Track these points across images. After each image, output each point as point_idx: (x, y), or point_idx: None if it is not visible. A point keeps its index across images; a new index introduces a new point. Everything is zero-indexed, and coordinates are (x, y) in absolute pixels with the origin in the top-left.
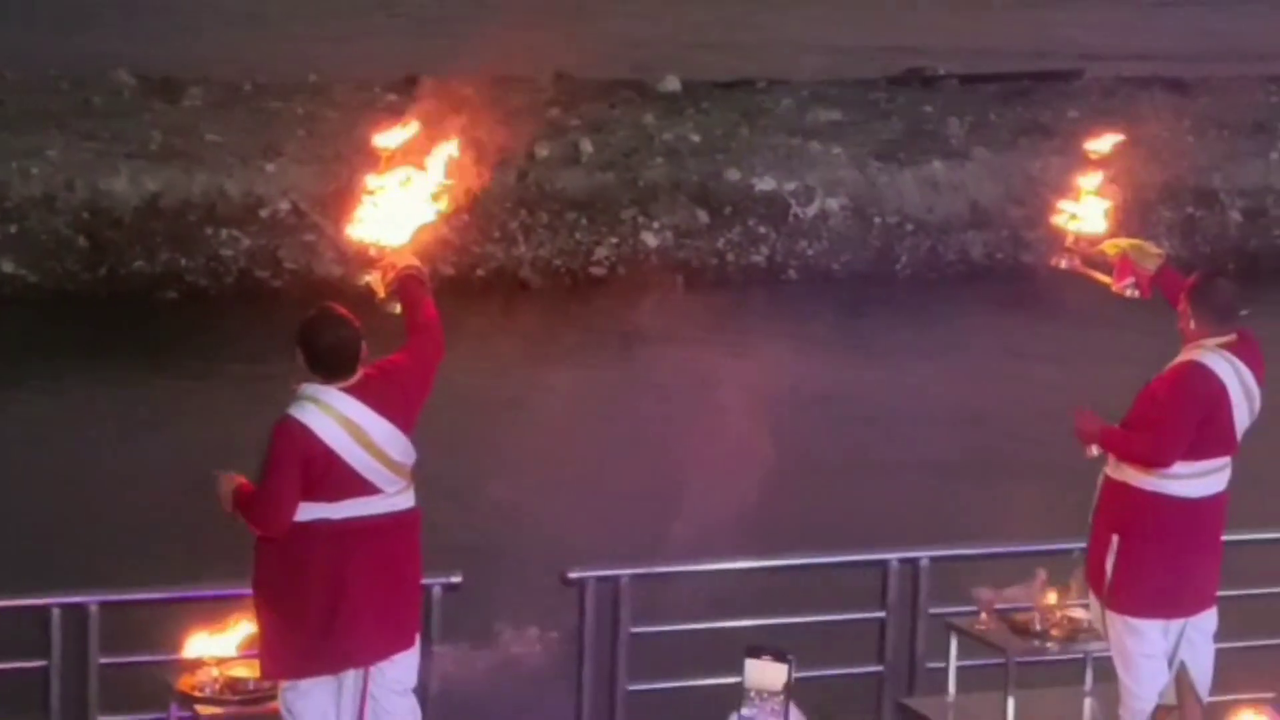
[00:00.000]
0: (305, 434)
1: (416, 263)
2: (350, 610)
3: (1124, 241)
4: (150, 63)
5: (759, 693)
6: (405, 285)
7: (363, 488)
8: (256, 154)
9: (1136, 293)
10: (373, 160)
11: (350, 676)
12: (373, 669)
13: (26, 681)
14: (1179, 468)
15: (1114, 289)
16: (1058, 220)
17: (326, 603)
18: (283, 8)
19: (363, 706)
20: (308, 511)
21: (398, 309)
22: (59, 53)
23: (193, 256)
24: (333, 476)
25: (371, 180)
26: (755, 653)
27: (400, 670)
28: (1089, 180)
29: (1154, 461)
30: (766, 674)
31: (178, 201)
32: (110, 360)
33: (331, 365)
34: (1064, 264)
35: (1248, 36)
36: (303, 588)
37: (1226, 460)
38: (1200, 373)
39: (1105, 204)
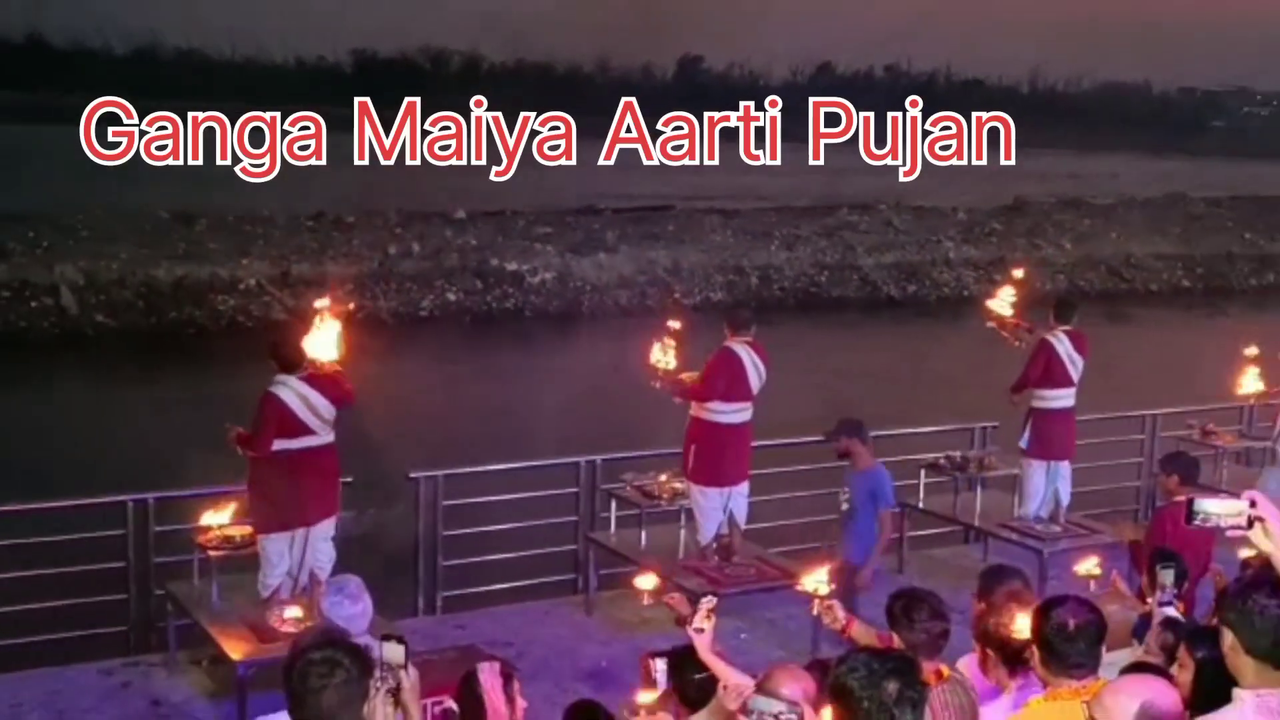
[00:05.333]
0: (278, 401)
1: (339, 366)
2: (303, 495)
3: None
4: (174, 203)
5: (392, 666)
6: (337, 377)
7: (308, 431)
8: (236, 254)
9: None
10: (312, 313)
11: (300, 531)
12: (314, 527)
13: (112, 543)
14: (719, 405)
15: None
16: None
17: (290, 493)
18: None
19: (305, 548)
20: (279, 444)
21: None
22: (121, 200)
23: (203, 310)
24: (292, 424)
25: (312, 333)
26: (387, 638)
27: (326, 528)
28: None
29: (700, 400)
30: (393, 652)
31: (194, 281)
32: (158, 370)
33: (289, 364)
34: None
35: (759, 187)
36: (277, 484)
37: (747, 404)
38: (728, 353)
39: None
